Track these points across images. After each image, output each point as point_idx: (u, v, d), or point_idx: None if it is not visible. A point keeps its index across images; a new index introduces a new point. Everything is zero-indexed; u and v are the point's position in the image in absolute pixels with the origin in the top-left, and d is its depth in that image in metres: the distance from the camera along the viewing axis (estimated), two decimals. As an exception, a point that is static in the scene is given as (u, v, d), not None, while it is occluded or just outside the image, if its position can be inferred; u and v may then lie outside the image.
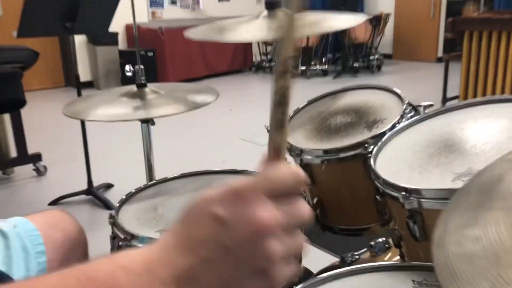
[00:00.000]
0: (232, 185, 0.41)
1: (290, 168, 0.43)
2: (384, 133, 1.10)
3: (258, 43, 7.76)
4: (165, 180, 1.24)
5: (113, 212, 1.05)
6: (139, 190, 1.19)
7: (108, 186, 3.09)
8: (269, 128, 0.45)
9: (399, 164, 0.97)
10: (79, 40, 6.48)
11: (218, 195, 0.41)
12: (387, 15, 7.34)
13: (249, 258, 0.39)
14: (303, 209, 0.42)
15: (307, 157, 1.20)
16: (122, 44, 6.97)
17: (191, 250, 0.40)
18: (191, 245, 0.40)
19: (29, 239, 0.88)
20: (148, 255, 0.41)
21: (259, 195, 0.40)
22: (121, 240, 0.96)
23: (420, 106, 1.18)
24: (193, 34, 1.34)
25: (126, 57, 6.54)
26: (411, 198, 0.84)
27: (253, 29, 1.30)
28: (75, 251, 0.95)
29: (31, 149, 3.37)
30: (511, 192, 0.49)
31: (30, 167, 3.38)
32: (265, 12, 1.34)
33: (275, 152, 0.44)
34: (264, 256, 0.39)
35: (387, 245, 1.29)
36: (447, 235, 0.46)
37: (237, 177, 0.42)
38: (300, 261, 0.43)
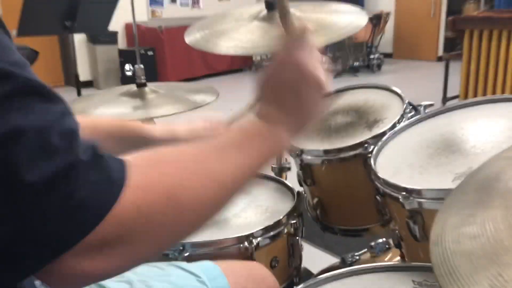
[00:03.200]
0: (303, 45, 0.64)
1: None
2: (384, 133, 1.10)
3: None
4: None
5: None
6: (139, 190, 1.18)
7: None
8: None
9: (399, 164, 0.97)
10: (79, 39, 6.47)
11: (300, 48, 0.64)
12: (387, 14, 7.33)
13: (308, 80, 0.62)
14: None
15: (307, 157, 1.20)
16: (121, 43, 6.97)
17: (270, 96, 0.63)
18: (269, 93, 0.63)
19: None
20: (255, 116, 0.60)
21: (307, 49, 0.63)
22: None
23: (421, 105, 1.18)
24: (191, 37, 1.34)
25: (126, 56, 6.54)
26: (411, 198, 0.83)
27: (252, 37, 1.29)
28: None
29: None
30: (508, 189, 0.48)
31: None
32: (265, 12, 1.34)
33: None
34: (317, 77, 0.62)
35: (387, 246, 1.29)
36: (444, 233, 0.46)
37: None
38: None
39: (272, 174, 1.41)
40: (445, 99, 4.43)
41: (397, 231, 0.97)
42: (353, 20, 1.35)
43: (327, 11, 1.41)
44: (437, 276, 0.42)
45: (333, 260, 1.67)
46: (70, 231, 0.38)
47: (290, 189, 1.16)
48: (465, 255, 0.42)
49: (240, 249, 0.94)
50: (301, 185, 1.29)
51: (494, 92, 3.66)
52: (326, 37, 1.26)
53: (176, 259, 0.92)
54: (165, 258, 0.94)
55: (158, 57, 6.76)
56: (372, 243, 1.29)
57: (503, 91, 3.61)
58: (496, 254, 0.40)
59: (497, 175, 0.52)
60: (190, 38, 1.38)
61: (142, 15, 7.18)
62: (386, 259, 1.27)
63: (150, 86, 1.55)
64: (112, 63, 6.68)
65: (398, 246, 0.99)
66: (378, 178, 0.93)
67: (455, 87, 4.22)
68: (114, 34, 6.62)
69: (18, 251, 0.37)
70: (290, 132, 0.61)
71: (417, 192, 0.83)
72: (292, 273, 1.07)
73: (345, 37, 1.23)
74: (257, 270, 0.88)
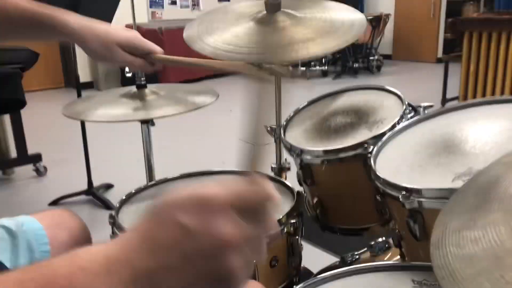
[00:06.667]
0: (200, 193, 0.41)
1: (262, 185, 0.44)
2: (384, 134, 1.10)
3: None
4: (165, 181, 1.24)
5: (113, 212, 1.05)
6: (139, 191, 1.19)
7: (108, 186, 3.09)
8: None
9: (399, 164, 0.98)
10: (79, 40, 6.47)
11: (185, 201, 0.41)
12: (387, 16, 7.34)
13: (209, 269, 0.40)
14: (269, 225, 0.44)
15: (307, 157, 1.21)
16: (122, 45, 6.97)
17: (153, 253, 0.40)
18: (154, 248, 0.40)
19: (35, 238, 0.89)
20: (109, 254, 0.40)
21: (227, 208, 0.41)
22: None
23: (420, 106, 1.18)
24: (188, 32, 1.33)
25: (126, 57, 6.54)
26: (412, 198, 0.84)
27: (248, 42, 1.28)
28: None
29: (31, 150, 3.37)
30: (508, 194, 0.49)
31: (30, 167, 3.38)
32: (264, 13, 1.34)
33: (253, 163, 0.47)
34: (224, 269, 0.40)
35: (387, 245, 1.29)
36: (445, 237, 0.46)
37: (208, 181, 0.43)
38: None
39: (272, 174, 1.41)
40: (444, 100, 4.43)
41: (397, 231, 0.97)
42: (354, 24, 1.35)
43: (327, 13, 1.41)
44: (439, 279, 0.42)
45: (332, 259, 1.67)
46: None
47: (290, 189, 1.16)
48: (467, 258, 0.42)
49: (240, 249, 0.94)
50: (301, 185, 1.29)
51: (493, 93, 3.66)
52: (328, 45, 1.26)
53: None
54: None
55: (158, 59, 6.76)
56: (372, 243, 1.30)
57: (502, 92, 3.61)
58: (498, 257, 0.40)
59: (497, 179, 0.53)
60: (188, 33, 1.37)
61: (142, 17, 7.18)
62: (386, 258, 1.27)
63: (150, 87, 1.55)
64: (112, 64, 6.68)
65: (398, 245, 0.99)
66: (378, 178, 0.93)
67: (454, 89, 4.22)
68: (114, 35, 6.63)
69: None
70: None
71: (417, 192, 0.83)
72: (291, 273, 1.07)
73: (347, 44, 1.22)
74: (65, 217, 0.99)
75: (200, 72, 7.06)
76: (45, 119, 4.96)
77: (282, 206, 1.10)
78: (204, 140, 4.25)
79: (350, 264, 1.31)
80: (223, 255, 0.40)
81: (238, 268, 0.41)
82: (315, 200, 1.28)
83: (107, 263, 0.40)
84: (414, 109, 1.20)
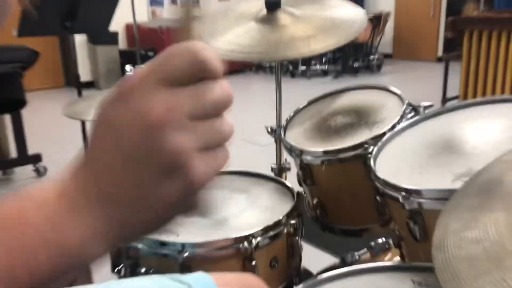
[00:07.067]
0: (121, 82, 0.37)
1: (191, 47, 0.35)
2: (384, 134, 1.10)
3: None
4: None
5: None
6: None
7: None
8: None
9: (399, 164, 0.97)
10: (79, 39, 6.48)
11: (110, 98, 0.37)
12: (387, 14, 7.34)
13: (152, 158, 0.34)
14: (213, 90, 0.35)
15: (307, 158, 1.20)
16: (122, 44, 6.98)
17: (95, 165, 0.37)
18: (95, 159, 0.37)
19: None
20: (59, 181, 0.37)
21: (148, 85, 0.35)
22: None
23: (420, 106, 1.18)
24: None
25: (126, 57, 6.54)
26: (411, 198, 0.83)
27: (250, 41, 1.28)
28: None
29: (31, 150, 3.37)
30: (510, 193, 0.48)
31: (30, 167, 3.38)
32: (264, 12, 1.34)
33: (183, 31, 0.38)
34: (167, 151, 0.34)
35: (387, 246, 1.29)
36: (446, 238, 0.46)
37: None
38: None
39: (272, 174, 1.41)
40: (444, 100, 4.43)
41: (397, 231, 0.97)
42: (355, 20, 1.35)
43: (328, 11, 1.41)
44: (441, 282, 0.42)
45: (332, 260, 1.67)
46: None
47: (290, 189, 1.16)
48: (468, 259, 0.42)
49: (240, 249, 0.94)
50: (300, 185, 1.29)
51: (493, 92, 3.66)
52: (329, 42, 1.26)
53: (175, 259, 0.92)
54: (164, 260, 0.95)
55: (158, 58, 6.76)
56: (372, 243, 1.29)
57: (502, 91, 3.61)
58: (499, 258, 0.40)
59: (498, 178, 0.52)
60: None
61: (143, 15, 7.18)
62: (386, 259, 1.27)
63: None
64: (112, 63, 6.69)
65: (398, 246, 0.99)
66: (378, 178, 0.93)
67: (454, 88, 4.22)
68: (115, 34, 6.63)
69: None
70: (105, 234, 0.36)
71: (417, 192, 0.83)
72: (291, 273, 1.07)
73: (348, 40, 1.22)
74: (250, 281, 0.81)
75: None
76: (45, 119, 4.97)
77: (282, 206, 1.09)
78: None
79: (350, 264, 1.31)
80: (158, 135, 0.33)
81: (188, 147, 0.34)
82: (315, 200, 1.28)
83: (58, 189, 0.37)
84: (415, 109, 1.19)
